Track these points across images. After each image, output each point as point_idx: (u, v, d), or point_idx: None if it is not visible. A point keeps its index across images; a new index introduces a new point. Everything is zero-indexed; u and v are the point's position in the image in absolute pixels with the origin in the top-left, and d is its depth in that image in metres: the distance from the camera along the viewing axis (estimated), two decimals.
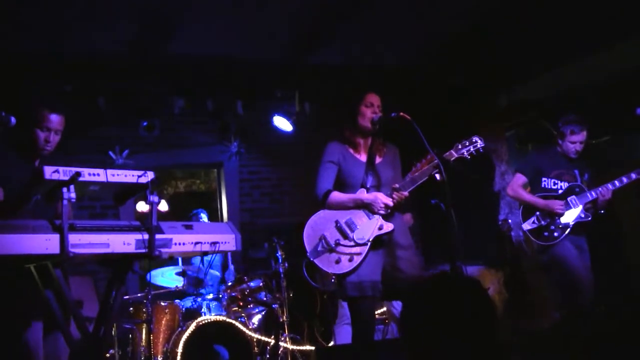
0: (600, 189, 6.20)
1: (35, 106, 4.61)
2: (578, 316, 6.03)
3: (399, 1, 6.64)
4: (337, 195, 4.91)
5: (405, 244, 4.94)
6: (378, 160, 5.05)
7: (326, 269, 4.75)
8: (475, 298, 2.44)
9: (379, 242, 4.83)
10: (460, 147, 4.94)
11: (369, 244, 4.76)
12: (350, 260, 4.71)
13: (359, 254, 4.73)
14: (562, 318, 6.33)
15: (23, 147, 4.62)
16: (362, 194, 4.88)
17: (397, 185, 4.83)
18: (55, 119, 4.59)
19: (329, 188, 4.94)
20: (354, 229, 4.79)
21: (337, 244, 4.74)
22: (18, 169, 4.35)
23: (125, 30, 6.92)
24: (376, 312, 6.74)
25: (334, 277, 4.86)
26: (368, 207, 4.83)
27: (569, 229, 6.23)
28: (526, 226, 6.42)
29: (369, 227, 4.81)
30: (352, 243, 4.75)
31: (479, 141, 4.96)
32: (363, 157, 5.04)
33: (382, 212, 4.80)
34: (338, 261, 4.72)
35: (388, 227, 4.83)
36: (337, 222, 4.82)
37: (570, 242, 6.23)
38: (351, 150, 5.05)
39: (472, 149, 4.95)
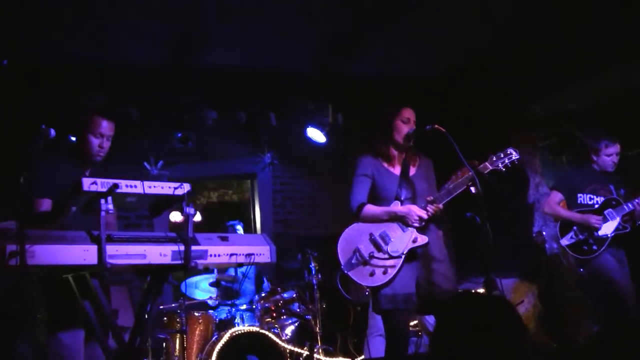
0: (637, 200, 6.16)
1: (87, 114, 4.70)
2: (622, 327, 5.96)
3: (433, 11, 6.62)
4: (371, 208, 4.91)
5: (440, 257, 4.91)
6: (412, 172, 5.04)
7: (360, 281, 4.74)
8: (505, 316, 2.43)
9: (413, 255, 4.82)
10: (495, 159, 4.91)
11: (403, 256, 4.74)
12: (385, 273, 4.70)
13: (393, 266, 4.72)
14: (601, 330, 6.26)
15: (75, 157, 4.71)
16: (396, 207, 4.87)
17: (431, 198, 4.83)
18: (107, 125, 4.71)
19: (363, 201, 4.94)
20: (388, 241, 4.78)
21: (372, 256, 4.74)
22: (72, 178, 4.41)
23: (159, 42, 6.98)
24: (410, 324, 6.73)
25: (367, 289, 4.85)
26: (402, 220, 4.82)
27: (607, 242, 6.19)
28: (564, 241, 6.40)
29: (403, 239, 4.79)
30: (386, 256, 4.74)
31: (514, 153, 4.93)
32: (396, 170, 5.03)
33: (416, 224, 4.79)
34: (372, 274, 4.71)
35: (422, 239, 4.81)
36: (371, 234, 4.82)
37: (610, 254, 6.20)
38: (384, 164, 5.04)
39: (507, 161, 4.92)
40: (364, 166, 5.03)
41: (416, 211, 4.77)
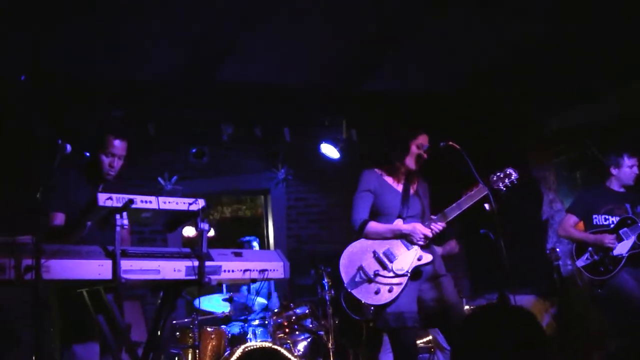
0: None
1: (101, 132, 4.72)
2: None
3: (446, 29, 6.65)
4: (374, 226, 4.89)
5: (443, 273, 4.93)
6: (413, 190, 5.05)
7: (365, 300, 4.72)
8: (528, 329, 2.42)
9: (417, 273, 4.81)
10: (494, 179, 4.91)
11: (408, 274, 4.74)
12: (390, 291, 4.69)
13: (399, 284, 4.71)
14: (621, 349, 6.22)
15: (88, 172, 4.73)
16: (400, 225, 4.87)
17: (434, 217, 4.85)
18: (119, 145, 4.72)
19: (366, 218, 4.92)
20: (392, 259, 4.77)
21: (376, 274, 4.72)
22: (84, 194, 4.44)
23: (176, 57, 7.03)
24: (422, 341, 6.71)
25: (372, 308, 4.83)
26: (406, 238, 4.82)
27: (623, 261, 6.15)
28: (580, 263, 6.39)
29: (408, 257, 4.79)
30: (391, 274, 4.73)
31: (513, 173, 4.93)
32: (399, 187, 5.03)
33: (421, 242, 4.79)
34: (377, 292, 4.70)
35: (427, 257, 4.82)
36: (374, 252, 4.81)
37: (627, 273, 6.16)
38: (388, 179, 5.04)
39: (507, 181, 4.92)
40: (367, 181, 5.03)
41: (421, 229, 4.78)
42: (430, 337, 6.76)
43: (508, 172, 4.93)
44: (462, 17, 6.46)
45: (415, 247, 4.81)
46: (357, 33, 6.67)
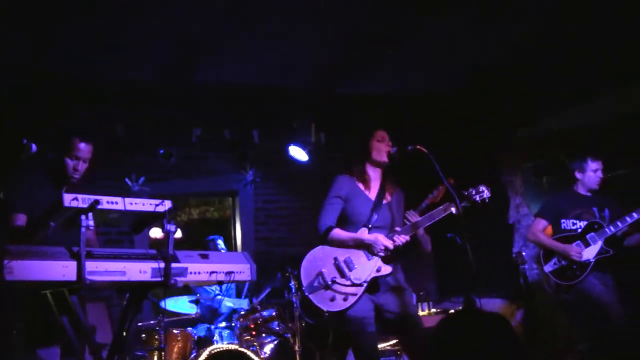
0: (619, 222, 6.18)
1: (66, 134, 4.68)
2: (612, 345, 6.00)
3: (419, 38, 6.68)
4: (338, 233, 4.90)
5: (403, 287, 4.96)
6: (386, 200, 5.06)
7: (320, 305, 4.76)
8: (500, 334, 2.45)
9: (376, 284, 4.84)
10: (466, 194, 4.97)
11: (365, 285, 4.76)
12: (345, 299, 4.73)
13: (354, 294, 4.74)
14: (589, 353, 6.28)
15: (52, 173, 4.69)
16: (364, 234, 4.88)
17: (398, 228, 4.87)
18: (84, 148, 4.70)
19: (332, 224, 4.93)
20: (352, 268, 4.80)
21: (334, 281, 4.75)
22: (47, 195, 4.40)
23: (145, 59, 6.99)
24: (389, 343, 6.72)
25: (326, 313, 4.86)
26: (368, 248, 4.83)
27: (590, 266, 6.22)
28: (548, 268, 6.44)
29: (367, 268, 4.81)
30: (348, 282, 4.76)
31: (486, 190, 5.00)
32: (372, 195, 5.05)
33: (381, 254, 4.81)
34: (333, 299, 4.73)
35: (386, 270, 4.84)
36: (335, 259, 4.83)
37: (594, 278, 6.22)
38: (361, 186, 5.05)
39: (477, 199, 4.97)
40: (339, 187, 5.04)
41: (383, 241, 4.79)
42: (397, 340, 6.77)
43: (480, 190, 5.00)
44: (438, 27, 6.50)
45: (376, 258, 4.82)
46: (328, 37, 6.68)
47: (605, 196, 6.54)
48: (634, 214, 6.17)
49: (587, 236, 6.29)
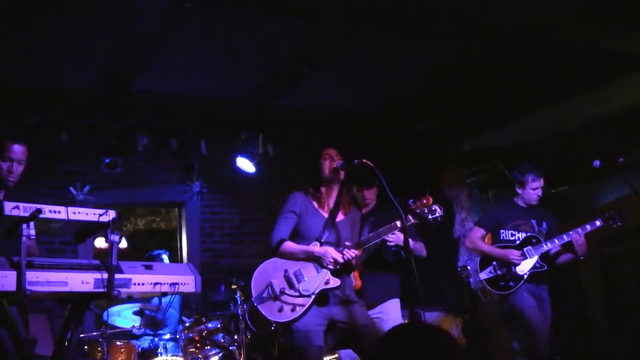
0: (572, 233, 6.29)
1: None
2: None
3: (367, 50, 6.73)
4: (289, 246, 4.95)
5: (354, 300, 5.00)
6: (340, 217, 5.12)
7: (268, 316, 4.80)
8: (444, 348, 2.48)
9: (325, 297, 4.87)
10: (418, 212, 5.06)
11: (313, 296, 4.80)
12: (293, 310, 4.76)
13: (302, 305, 4.77)
14: None
15: None
16: (314, 247, 4.93)
17: (348, 243, 4.92)
18: (17, 149, 4.61)
19: (284, 237, 4.98)
20: (300, 279, 4.84)
21: (282, 292, 4.79)
22: None
23: (93, 67, 6.91)
24: (333, 357, 6.73)
25: (274, 324, 4.88)
26: (318, 261, 4.88)
27: (523, 280, 6.31)
28: (483, 275, 6.51)
29: (315, 280, 4.85)
30: (296, 294, 4.80)
31: (438, 209, 5.11)
32: (325, 212, 5.10)
33: (330, 267, 4.85)
34: (281, 310, 4.77)
35: (334, 282, 4.87)
36: (285, 271, 4.87)
37: (527, 291, 6.32)
38: (314, 203, 5.10)
39: (430, 217, 5.08)
40: (294, 203, 5.08)
41: (332, 254, 4.84)
42: (336, 356, 6.76)
43: (433, 208, 5.10)
44: (380, 41, 6.56)
45: (325, 270, 4.86)
46: (276, 48, 6.69)
47: (544, 209, 6.65)
48: (571, 233, 6.29)
49: (525, 249, 6.37)
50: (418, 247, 6.00)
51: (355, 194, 6.18)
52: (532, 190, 6.50)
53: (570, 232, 6.30)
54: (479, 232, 6.69)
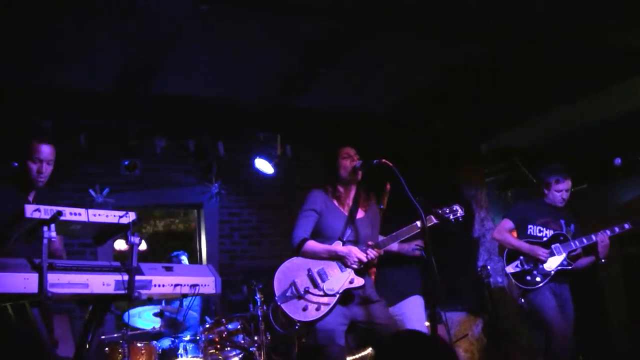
0: (599, 234, 6.25)
1: (25, 139, 4.64)
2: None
3: (384, 50, 6.71)
4: (312, 245, 4.94)
5: (375, 299, 4.98)
6: (360, 215, 5.11)
7: (292, 315, 4.78)
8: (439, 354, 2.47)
9: (348, 296, 4.86)
10: (440, 213, 5.05)
11: (337, 296, 4.79)
12: (317, 309, 4.75)
13: (326, 304, 4.76)
14: None
15: (18, 182, 4.64)
16: (337, 246, 4.92)
17: (371, 242, 4.92)
18: (45, 150, 4.66)
19: (306, 236, 4.97)
20: (324, 279, 4.83)
21: (306, 291, 4.77)
22: (12, 205, 4.33)
23: (111, 69, 6.93)
24: (356, 357, 6.72)
25: (298, 323, 4.86)
26: (341, 260, 4.87)
27: (550, 276, 6.27)
28: (509, 269, 6.46)
29: (339, 279, 4.84)
30: (321, 293, 4.78)
31: (459, 210, 5.13)
32: (345, 210, 5.09)
33: (354, 266, 4.85)
34: (305, 309, 4.75)
35: (359, 282, 4.87)
36: (309, 270, 4.85)
37: (549, 290, 6.28)
38: (334, 202, 5.09)
39: (451, 217, 5.09)
40: (313, 201, 5.07)
41: (356, 253, 4.83)
42: (365, 353, 6.76)
43: (454, 209, 5.12)
44: (397, 40, 6.53)
45: (349, 270, 4.86)
46: (294, 48, 6.68)
47: (572, 213, 6.61)
48: (598, 234, 6.26)
49: (552, 246, 6.34)
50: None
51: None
52: (557, 192, 6.46)
53: (598, 233, 6.26)
54: (508, 224, 6.63)
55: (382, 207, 5.61)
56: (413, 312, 5.99)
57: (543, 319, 6.24)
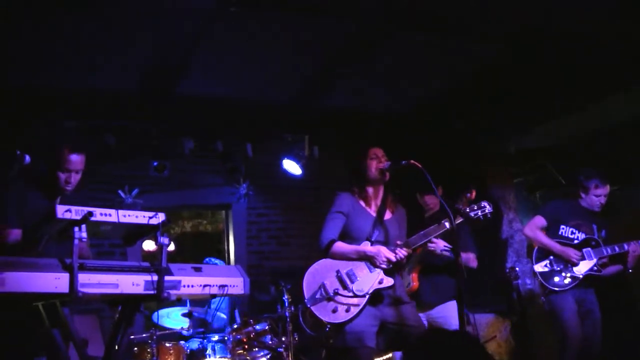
0: (632, 244, 6.20)
1: (56, 147, 4.65)
2: None
3: (411, 50, 6.69)
4: (340, 246, 4.93)
5: (406, 299, 4.98)
6: (387, 216, 5.09)
7: (322, 317, 4.75)
8: (472, 352, 2.45)
9: (378, 296, 4.84)
10: (468, 211, 5.04)
11: (367, 296, 4.77)
12: (347, 310, 4.72)
13: (356, 305, 4.74)
14: None
15: (45, 185, 4.66)
16: (366, 247, 4.90)
17: (399, 242, 4.89)
18: (76, 159, 4.66)
19: (334, 238, 4.95)
20: (354, 280, 4.81)
21: (336, 293, 4.76)
22: (41, 206, 4.38)
23: (139, 69, 6.98)
24: (382, 359, 6.71)
25: (328, 325, 4.85)
26: (370, 260, 4.85)
27: (578, 280, 6.22)
28: (538, 268, 6.42)
29: (369, 279, 4.82)
30: (350, 294, 4.76)
31: (487, 206, 5.10)
32: (373, 211, 5.07)
33: (383, 266, 4.82)
34: (335, 310, 4.73)
35: (388, 282, 4.85)
36: (338, 271, 4.84)
37: (572, 296, 6.23)
38: (362, 203, 5.08)
39: (479, 214, 5.07)
40: (341, 203, 5.05)
41: (385, 253, 4.81)
42: (390, 355, 6.75)
43: (482, 205, 5.10)
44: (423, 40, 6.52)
45: (378, 270, 4.84)
46: (321, 49, 6.69)
47: (605, 219, 6.55)
48: (632, 244, 6.20)
49: (584, 250, 6.28)
50: (467, 257, 5.96)
51: (419, 199, 6.22)
52: (595, 196, 6.41)
53: (631, 243, 6.21)
54: (540, 221, 6.58)
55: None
56: (454, 315, 5.97)
57: (560, 322, 6.22)
